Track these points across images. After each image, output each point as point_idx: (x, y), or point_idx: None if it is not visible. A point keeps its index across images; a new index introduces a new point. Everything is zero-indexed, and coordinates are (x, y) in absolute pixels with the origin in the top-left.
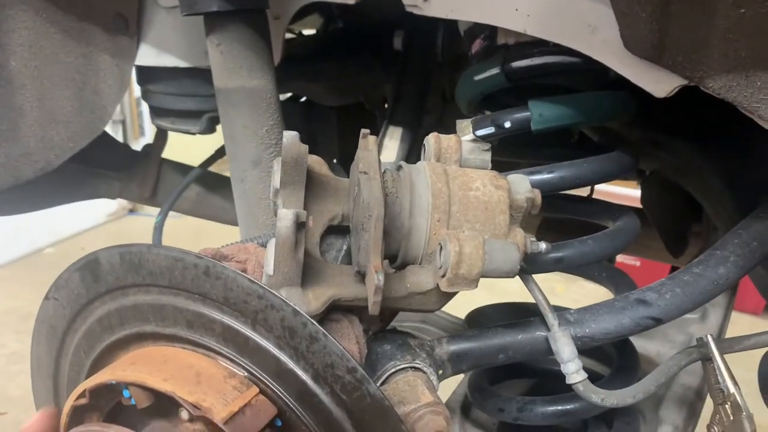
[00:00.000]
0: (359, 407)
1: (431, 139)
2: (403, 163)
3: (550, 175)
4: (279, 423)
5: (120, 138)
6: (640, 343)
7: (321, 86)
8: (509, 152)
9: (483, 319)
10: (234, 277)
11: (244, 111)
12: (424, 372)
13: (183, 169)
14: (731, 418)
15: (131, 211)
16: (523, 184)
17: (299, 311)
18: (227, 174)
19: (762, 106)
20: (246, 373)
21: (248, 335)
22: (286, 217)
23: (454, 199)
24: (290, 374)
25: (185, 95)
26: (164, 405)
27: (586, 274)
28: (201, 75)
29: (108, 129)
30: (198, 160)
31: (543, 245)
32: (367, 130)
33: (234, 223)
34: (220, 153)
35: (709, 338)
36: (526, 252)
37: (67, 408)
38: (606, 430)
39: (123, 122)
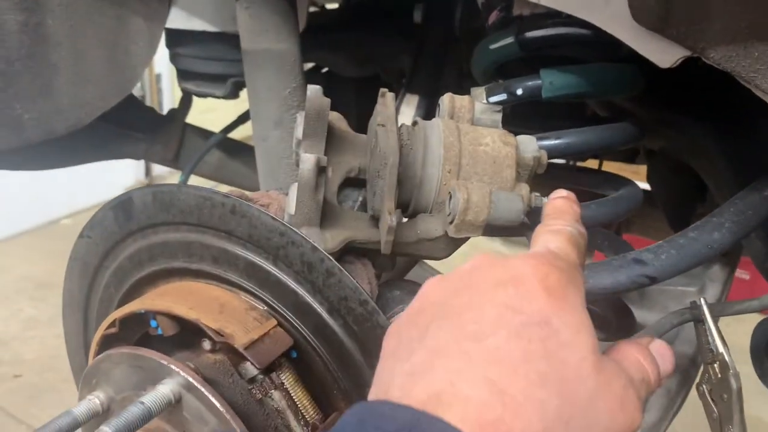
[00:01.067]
0: (369, 337)
1: (446, 99)
2: (418, 119)
3: (557, 141)
4: (294, 354)
5: None
6: (639, 314)
7: (341, 57)
8: (523, 124)
9: None
10: (258, 215)
11: (269, 73)
12: None
13: (205, 134)
14: (719, 376)
15: (148, 185)
16: (530, 144)
17: (318, 247)
18: (248, 141)
19: (758, 76)
20: (266, 307)
21: (269, 270)
22: (308, 160)
23: (465, 152)
24: (307, 307)
25: (212, 59)
26: (188, 336)
27: (589, 243)
28: (228, 40)
29: None
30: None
31: (546, 200)
32: (386, 89)
33: (253, 189)
34: (242, 119)
35: (702, 300)
36: (530, 205)
37: (97, 337)
38: None
39: (143, 98)
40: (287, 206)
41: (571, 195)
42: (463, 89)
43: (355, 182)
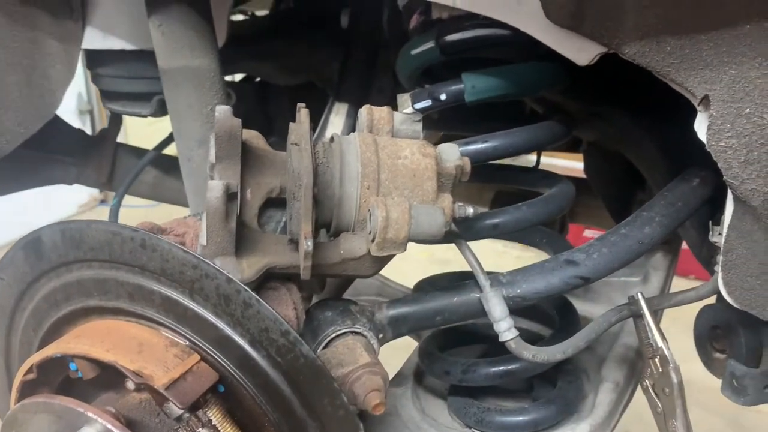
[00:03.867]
0: (293, 368)
1: (364, 111)
2: (335, 134)
3: (483, 145)
4: (221, 389)
5: (88, 128)
6: (584, 307)
7: (271, 66)
8: (460, 125)
9: (431, 286)
10: (169, 248)
11: (188, 90)
12: (365, 336)
13: (139, 153)
14: (660, 370)
15: (103, 201)
16: (452, 153)
17: (232, 278)
18: None
19: (672, 70)
20: (188, 342)
21: (186, 305)
22: (215, 187)
23: (383, 167)
24: (229, 341)
25: (134, 78)
26: (110, 376)
27: (527, 241)
28: (148, 57)
29: (75, 119)
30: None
31: (470, 209)
32: (302, 104)
33: None
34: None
35: (639, 296)
36: (454, 216)
37: (16, 383)
38: (551, 389)
39: (91, 112)
40: (200, 236)
41: None
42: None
43: (277, 202)
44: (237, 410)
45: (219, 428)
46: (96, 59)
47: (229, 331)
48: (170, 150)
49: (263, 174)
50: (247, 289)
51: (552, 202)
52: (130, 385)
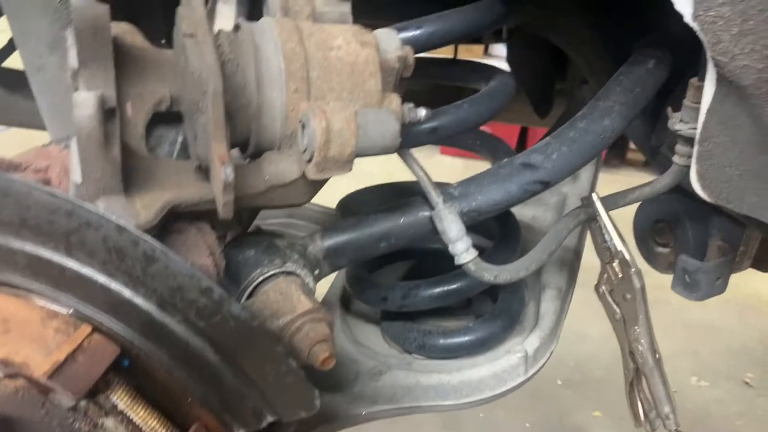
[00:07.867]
0: (221, 333)
1: None
2: (241, 20)
3: (418, 31)
4: (126, 363)
5: None
6: (514, 209)
7: None
8: (372, 14)
9: (358, 205)
10: (28, 191)
11: None
12: (298, 275)
13: None
14: (620, 275)
15: None
16: (392, 41)
17: (124, 227)
18: None
19: None
20: (71, 311)
21: (63, 264)
22: (85, 102)
23: (313, 62)
24: (128, 305)
25: None
26: None
27: (460, 145)
28: None
29: None
30: None
31: (422, 111)
32: None
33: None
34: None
35: (594, 197)
36: (404, 121)
37: None
38: (491, 303)
39: None
40: (72, 172)
41: None
42: None
43: (168, 117)
44: (149, 387)
45: (128, 414)
46: None
47: (127, 293)
48: (14, 62)
49: (146, 80)
50: (148, 238)
51: (495, 96)
52: None
